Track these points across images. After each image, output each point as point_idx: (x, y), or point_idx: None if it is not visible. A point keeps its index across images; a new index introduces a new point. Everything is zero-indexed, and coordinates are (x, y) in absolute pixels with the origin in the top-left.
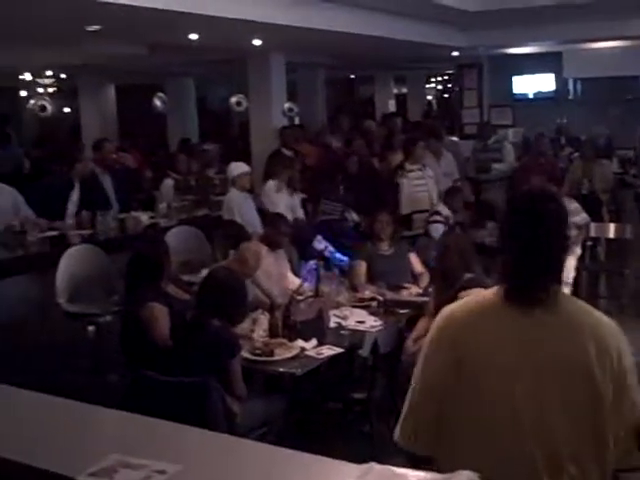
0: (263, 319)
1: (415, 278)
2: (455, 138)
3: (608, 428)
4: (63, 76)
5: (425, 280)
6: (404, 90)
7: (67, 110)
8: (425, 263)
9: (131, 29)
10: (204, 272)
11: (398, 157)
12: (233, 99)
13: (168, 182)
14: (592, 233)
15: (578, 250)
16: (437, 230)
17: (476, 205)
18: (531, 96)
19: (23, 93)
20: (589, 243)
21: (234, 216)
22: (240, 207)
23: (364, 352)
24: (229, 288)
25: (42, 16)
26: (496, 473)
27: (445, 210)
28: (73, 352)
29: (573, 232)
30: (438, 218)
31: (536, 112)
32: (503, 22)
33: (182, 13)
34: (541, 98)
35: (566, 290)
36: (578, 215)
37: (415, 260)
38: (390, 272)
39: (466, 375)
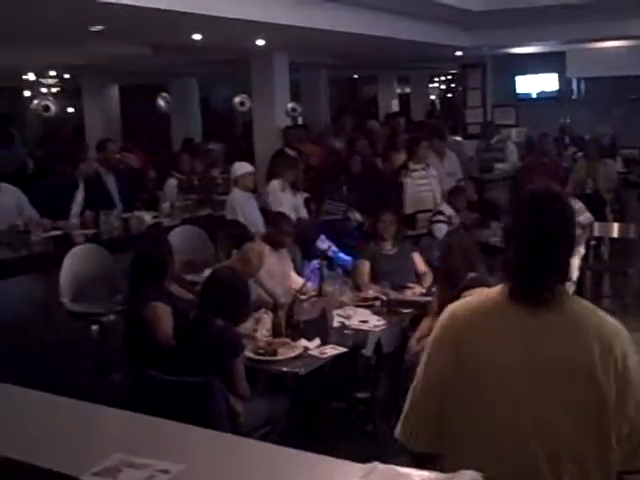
0: (266, 319)
1: (419, 278)
2: (458, 138)
3: (611, 428)
4: (67, 76)
5: (428, 280)
6: (407, 90)
7: (71, 110)
8: (428, 263)
9: (134, 29)
10: (207, 272)
11: (401, 157)
12: (236, 99)
13: (171, 182)
14: (596, 232)
15: (582, 249)
16: (440, 230)
17: (480, 205)
18: (534, 96)
19: (27, 93)
20: (593, 242)
21: (237, 216)
22: (243, 207)
23: (367, 352)
24: (232, 288)
25: (45, 16)
26: (498, 473)
27: (448, 210)
28: (77, 351)
29: (577, 231)
30: (441, 218)
31: (539, 112)
32: (507, 22)
33: (185, 13)
34: (544, 98)
35: (570, 289)
36: (582, 215)
37: (419, 260)
38: (393, 272)
39: (468, 374)
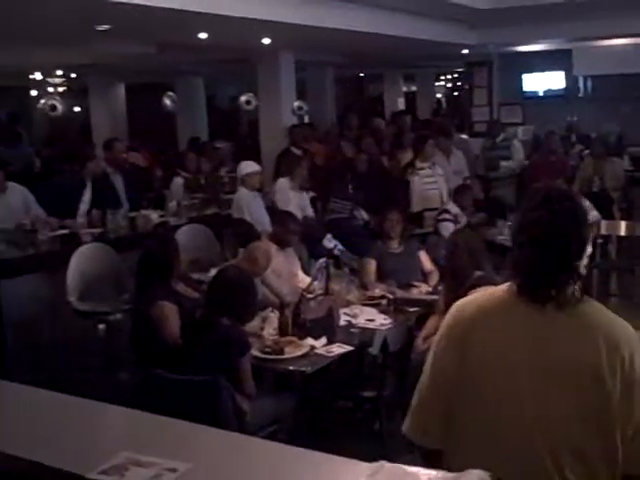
0: (273, 317)
1: (425, 276)
2: (465, 136)
3: (617, 428)
4: (73, 75)
5: (435, 278)
6: (413, 88)
7: (77, 109)
8: (435, 261)
9: (141, 28)
10: (213, 270)
11: (408, 155)
12: (242, 98)
13: (178, 181)
14: (603, 231)
15: (589, 248)
16: (447, 228)
17: (486, 203)
18: (541, 94)
19: (34, 92)
20: (600, 241)
21: (243, 215)
22: (249, 206)
23: (374, 350)
24: (238, 287)
25: (53, 16)
26: (504, 471)
27: (454, 208)
28: (83, 350)
29: None
30: (447, 216)
31: (546, 110)
32: (513, 19)
33: (191, 12)
34: (551, 96)
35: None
36: (589, 213)
37: (425, 258)
38: (400, 270)
39: (474, 372)
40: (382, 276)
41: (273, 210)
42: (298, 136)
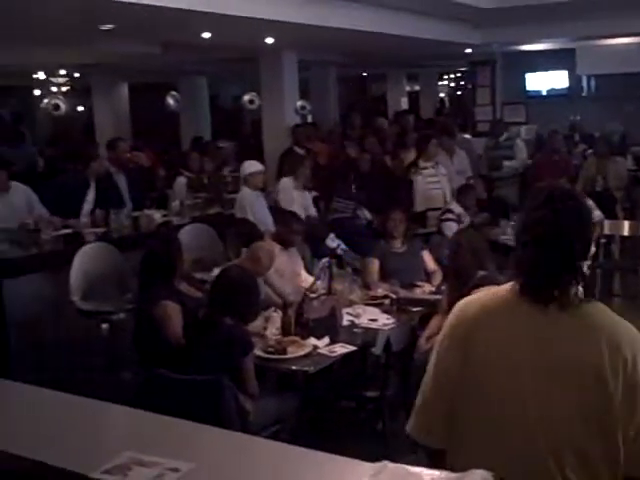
0: (276, 317)
1: (428, 276)
2: (468, 136)
3: (618, 428)
4: (76, 75)
5: (438, 278)
6: (416, 88)
7: (80, 109)
8: (438, 261)
9: (144, 28)
10: (216, 270)
11: (411, 155)
12: (245, 97)
13: (181, 180)
14: (606, 231)
15: (592, 248)
16: (450, 228)
17: (489, 203)
18: (544, 93)
19: (37, 92)
20: (603, 241)
21: (246, 214)
22: (252, 205)
23: (377, 350)
24: (241, 286)
25: (56, 15)
26: (507, 471)
27: (457, 208)
28: (87, 350)
29: None
30: (450, 216)
31: (549, 109)
32: (517, 19)
33: (198, 12)
34: (554, 95)
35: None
36: (592, 212)
37: (428, 258)
38: (403, 270)
39: (477, 372)
40: (385, 276)
41: (276, 210)
42: (301, 136)
